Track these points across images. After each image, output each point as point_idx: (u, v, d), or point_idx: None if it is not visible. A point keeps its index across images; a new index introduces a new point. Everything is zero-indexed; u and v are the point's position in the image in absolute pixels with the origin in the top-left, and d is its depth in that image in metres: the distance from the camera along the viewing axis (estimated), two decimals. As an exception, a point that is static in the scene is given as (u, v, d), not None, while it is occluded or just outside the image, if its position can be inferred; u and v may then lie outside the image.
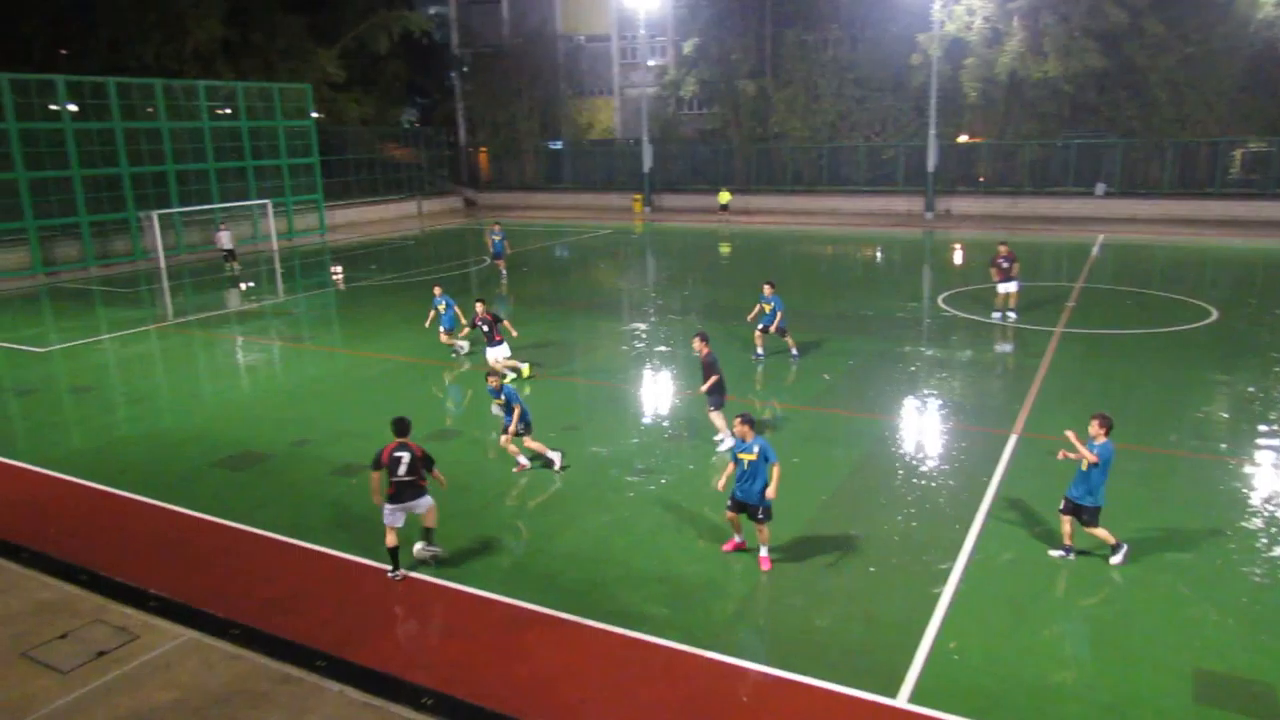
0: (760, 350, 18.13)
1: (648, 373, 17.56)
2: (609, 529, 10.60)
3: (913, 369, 17.26)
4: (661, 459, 12.75)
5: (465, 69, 59.47)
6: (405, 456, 9.36)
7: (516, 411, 12.02)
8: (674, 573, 9.59)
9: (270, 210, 37.51)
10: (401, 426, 9.56)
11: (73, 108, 32.21)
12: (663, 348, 19.32)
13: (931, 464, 12.50)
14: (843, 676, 7.71)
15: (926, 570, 9.49)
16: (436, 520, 9.75)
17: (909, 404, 15.20)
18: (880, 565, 9.63)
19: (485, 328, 16.82)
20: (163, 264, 32.06)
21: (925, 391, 15.84)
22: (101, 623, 8.64)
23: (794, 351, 18.12)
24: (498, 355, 16.73)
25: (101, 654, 8.12)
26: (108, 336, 21.55)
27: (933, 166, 43.06)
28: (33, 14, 39.73)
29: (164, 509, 11.38)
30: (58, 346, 20.60)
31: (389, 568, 9.52)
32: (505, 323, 17.19)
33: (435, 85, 65.89)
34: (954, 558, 9.72)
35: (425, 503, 9.54)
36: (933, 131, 42.17)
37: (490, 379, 12.14)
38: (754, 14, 48.76)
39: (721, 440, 13.18)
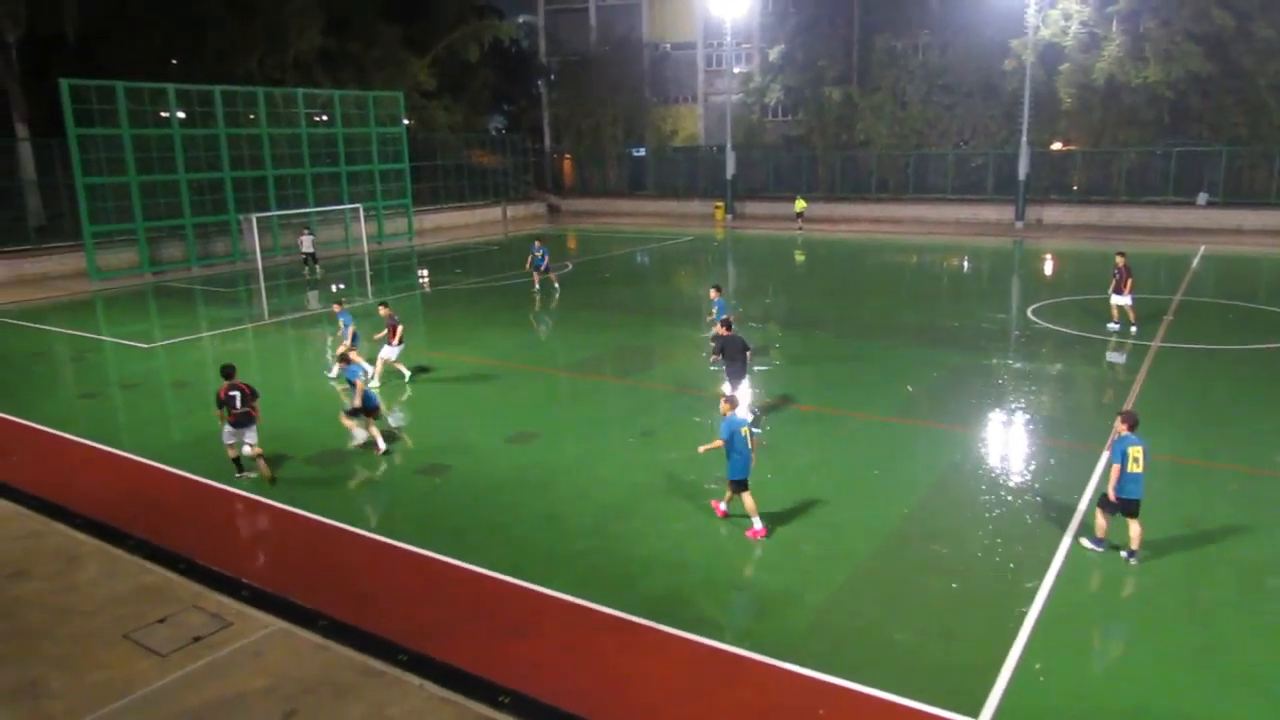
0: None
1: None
2: (686, 536, 10.58)
3: (1000, 382, 16.82)
4: (740, 467, 12.66)
5: (552, 76, 60.27)
6: (237, 394, 12.17)
7: (358, 388, 13.17)
8: (751, 581, 9.54)
9: (361, 214, 38.54)
10: (228, 371, 12.50)
11: (181, 115, 33.68)
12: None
13: (1019, 479, 12.15)
14: (923, 693, 7.54)
15: (1012, 588, 9.22)
16: (257, 453, 12.32)
17: (995, 417, 14.80)
18: (963, 581, 9.40)
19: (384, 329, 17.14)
20: (259, 265, 33.23)
21: (1013, 405, 15.41)
22: (198, 609, 8.99)
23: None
24: (388, 355, 16.98)
25: (197, 639, 8.45)
26: (207, 334, 22.43)
27: (1024, 174, 41.92)
28: (148, 27, 41.66)
29: (257, 501, 11.79)
30: (161, 343, 21.51)
31: (237, 473, 12.52)
32: (400, 330, 17.03)
33: (522, 92, 66.87)
34: (1041, 576, 9.42)
35: (253, 432, 12.30)
36: (1025, 138, 41.06)
37: (339, 362, 13.52)
38: (842, 21, 48.29)
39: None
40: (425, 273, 31.36)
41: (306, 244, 32.36)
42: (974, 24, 44.30)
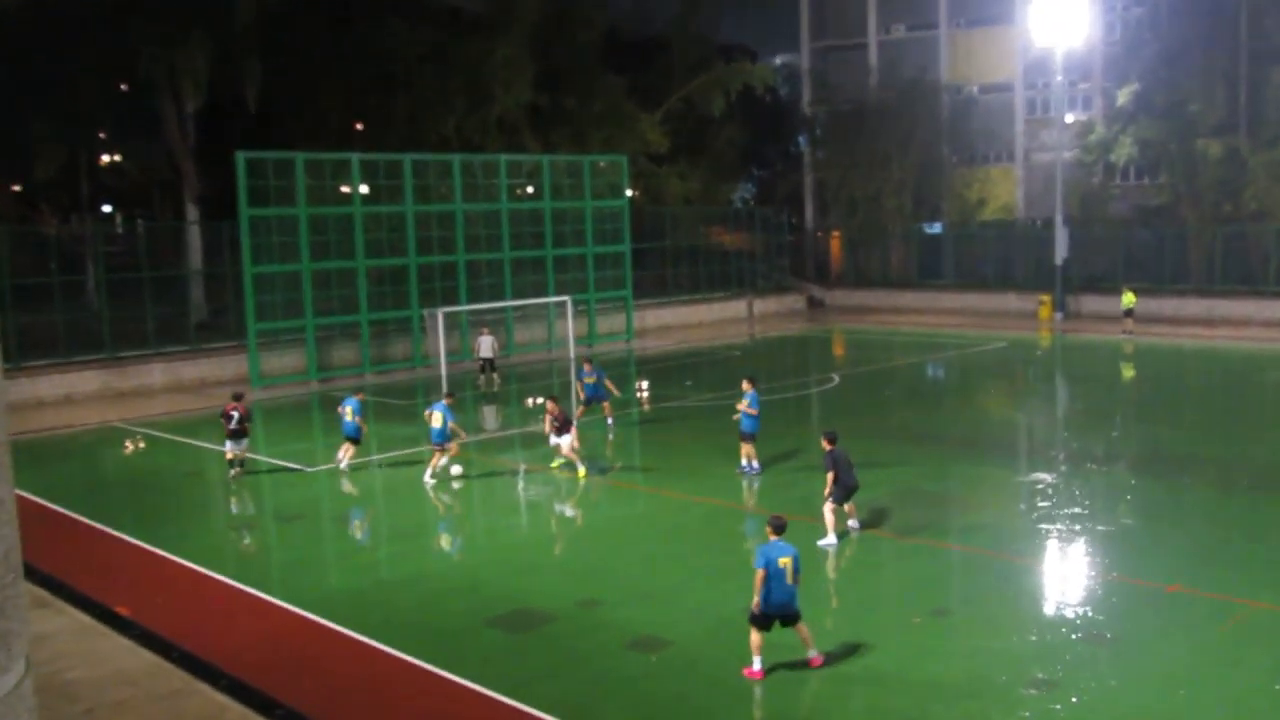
0: (746, 463, 21.04)
1: (1053, 544, 16.79)
2: (993, 760, 10.13)
3: None
4: (1070, 668, 12.04)
5: (817, 131, 61.67)
6: (235, 415, 21.04)
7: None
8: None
9: (570, 309, 40.40)
10: (237, 395, 22.04)
11: (364, 190, 37.27)
12: (1076, 509, 18.45)
13: None
14: None
15: None
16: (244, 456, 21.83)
17: None
18: None
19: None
20: (444, 371, 35.56)
21: None
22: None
23: (754, 465, 21.02)
24: (562, 443, 21.22)
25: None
26: (378, 457, 24.15)
27: None
28: (334, 88, 46.74)
29: (430, 673, 12.44)
30: (324, 466, 23.39)
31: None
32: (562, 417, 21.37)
33: (778, 153, 68.89)
34: None
35: (244, 444, 21.52)
36: None
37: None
38: (1221, 50, 46.59)
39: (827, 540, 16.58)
40: (644, 385, 32.38)
41: (485, 347, 34.33)
42: None
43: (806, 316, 54.49)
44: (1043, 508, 18.70)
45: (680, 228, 53.67)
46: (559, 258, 42.31)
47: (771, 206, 60.70)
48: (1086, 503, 18.97)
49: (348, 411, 21.99)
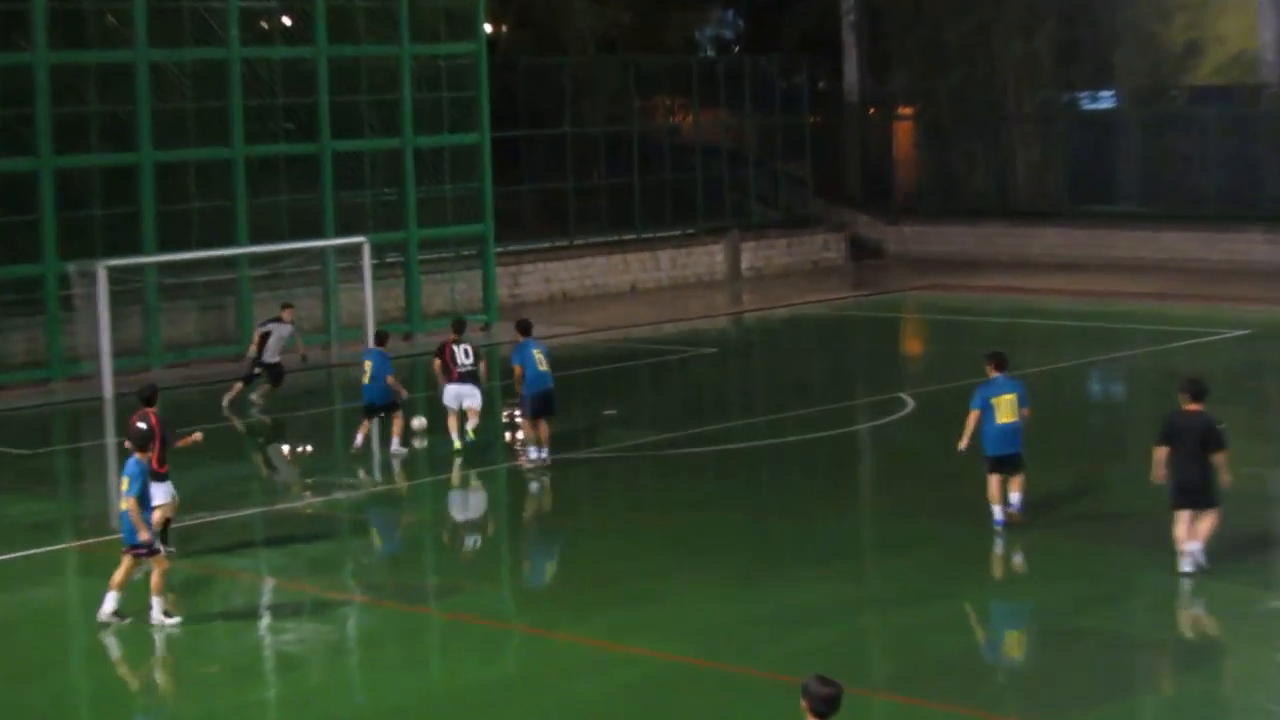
0: (1002, 513, 23.16)
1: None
2: None
3: None
4: None
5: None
6: (143, 425, 22.30)
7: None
8: None
9: (368, 260, 39.84)
10: (149, 395, 23.70)
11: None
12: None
13: None
14: None
15: None
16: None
17: None
18: None
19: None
20: (108, 389, 35.03)
21: None
22: None
23: (1015, 502, 23.35)
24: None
25: None
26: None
27: None
28: None
29: None
30: None
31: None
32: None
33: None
34: None
35: (164, 492, 22.80)
36: None
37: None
38: None
39: None
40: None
41: (277, 339, 33.08)
42: None
43: (849, 276, 54.75)
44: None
45: (592, 100, 53.58)
46: (345, 158, 41.91)
47: (775, 57, 60.79)
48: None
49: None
